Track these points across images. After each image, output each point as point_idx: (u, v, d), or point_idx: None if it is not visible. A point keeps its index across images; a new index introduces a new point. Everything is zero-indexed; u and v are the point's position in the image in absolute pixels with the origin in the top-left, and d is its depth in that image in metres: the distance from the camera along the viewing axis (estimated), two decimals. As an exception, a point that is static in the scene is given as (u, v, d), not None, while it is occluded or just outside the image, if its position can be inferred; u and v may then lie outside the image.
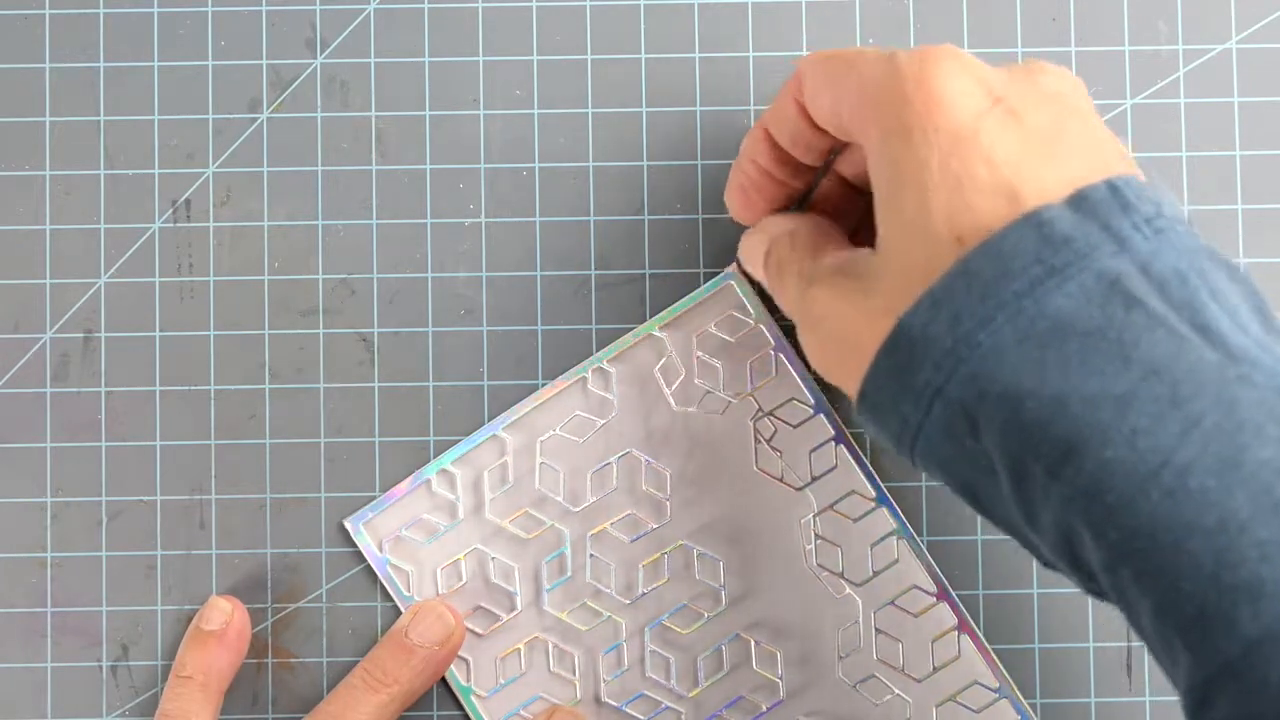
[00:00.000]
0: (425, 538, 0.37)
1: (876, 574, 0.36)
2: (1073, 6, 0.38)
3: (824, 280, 0.30)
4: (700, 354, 0.37)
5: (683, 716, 0.36)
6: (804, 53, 0.38)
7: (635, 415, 0.37)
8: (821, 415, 0.36)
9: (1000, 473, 0.26)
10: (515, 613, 0.36)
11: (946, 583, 0.36)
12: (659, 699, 0.36)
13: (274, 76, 0.37)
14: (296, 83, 0.37)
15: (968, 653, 0.36)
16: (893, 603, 0.36)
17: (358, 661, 0.36)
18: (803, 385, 0.36)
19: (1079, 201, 0.26)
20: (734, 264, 0.37)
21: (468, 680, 0.36)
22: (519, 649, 0.36)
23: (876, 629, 0.36)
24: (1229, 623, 0.22)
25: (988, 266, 0.25)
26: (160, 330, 0.37)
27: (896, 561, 0.36)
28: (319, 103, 0.37)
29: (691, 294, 0.37)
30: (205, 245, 0.37)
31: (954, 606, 0.36)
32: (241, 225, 0.37)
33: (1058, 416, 0.24)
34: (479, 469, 0.37)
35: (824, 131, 0.31)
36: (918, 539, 0.36)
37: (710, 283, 0.37)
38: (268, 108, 0.37)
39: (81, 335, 0.37)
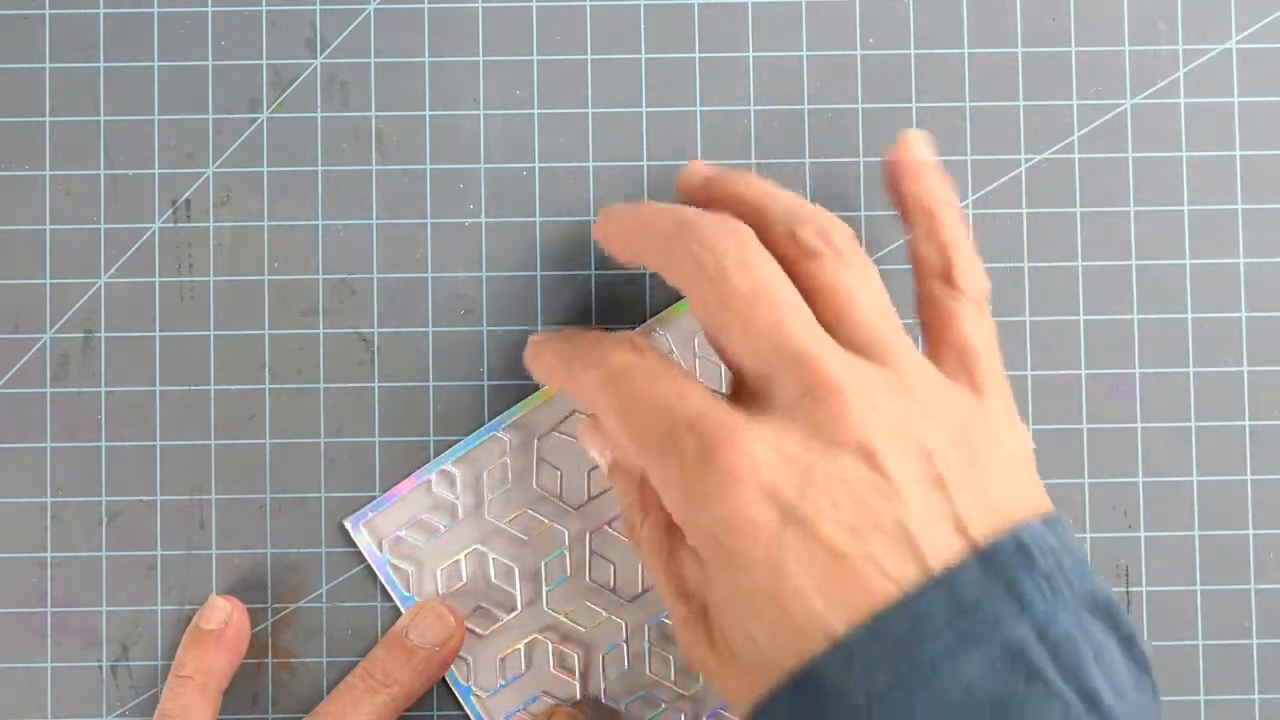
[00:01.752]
0: (425, 538, 0.37)
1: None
2: (1073, 6, 0.38)
3: (681, 621, 0.30)
4: (701, 353, 0.37)
5: (684, 716, 0.36)
6: (804, 53, 0.38)
7: None
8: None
9: None
10: (515, 613, 0.36)
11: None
12: (659, 698, 0.36)
13: (274, 76, 0.37)
14: (296, 83, 0.37)
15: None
16: None
17: (358, 662, 0.36)
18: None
19: (988, 558, 0.27)
20: None
21: (468, 680, 0.36)
22: (519, 649, 0.36)
23: None
24: None
25: (903, 625, 0.26)
26: (160, 330, 0.37)
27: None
28: (319, 103, 0.37)
29: None
30: (205, 245, 0.37)
31: None
32: (241, 225, 0.37)
33: None
34: (479, 469, 0.37)
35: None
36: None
37: None
38: (268, 108, 0.37)
39: (81, 335, 0.37)
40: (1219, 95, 0.38)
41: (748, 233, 0.30)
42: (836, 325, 0.30)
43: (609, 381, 0.30)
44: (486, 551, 0.36)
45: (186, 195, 0.37)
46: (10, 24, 0.37)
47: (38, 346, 0.37)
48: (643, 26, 0.38)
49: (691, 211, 0.31)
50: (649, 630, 0.36)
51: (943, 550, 0.27)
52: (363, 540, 0.37)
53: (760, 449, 0.28)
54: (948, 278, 0.31)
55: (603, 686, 0.36)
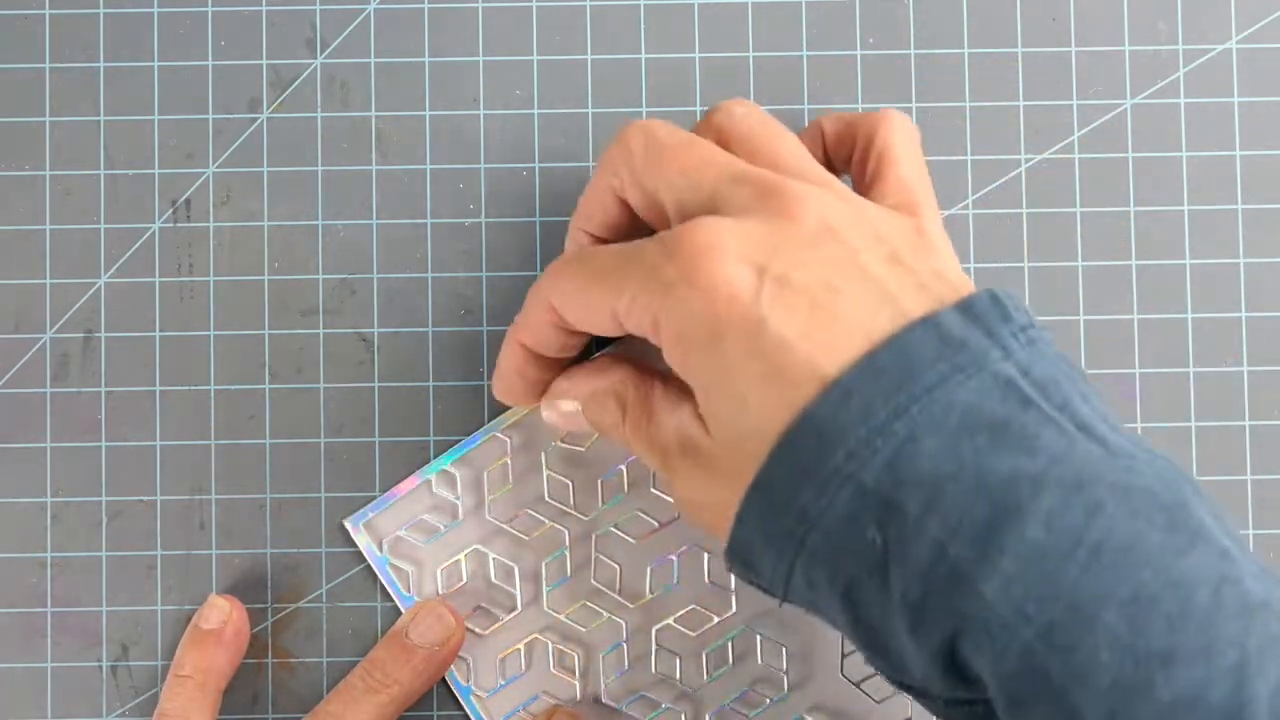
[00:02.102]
0: (425, 538, 0.37)
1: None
2: (1073, 6, 0.38)
3: (674, 462, 0.31)
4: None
5: (684, 716, 0.36)
6: (804, 53, 0.38)
7: (611, 463, 0.37)
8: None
9: (901, 565, 0.26)
10: (515, 613, 0.36)
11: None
12: (659, 699, 0.36)
13: (274, 76, 0.37)
14: (296, 83, 0.37)
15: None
16: None
17: (358, 661, 0.36)
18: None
19: (966, 308, 0.27)
20: None
21: (468, 680, 0.36)
22: (519, 649, 0.36)
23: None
24: (1146, 688, 0.24)
25: (895, 363, 0.27)
26: (160, 330, 0.37)
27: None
28: (319, 103, 0.37)
29: None
30: (205, 245, 0.37)
31: None
32: (241, 225, 0.37)
33: (979, 497, 0.26)
34: (479, 469, 0.37)
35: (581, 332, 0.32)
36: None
37: None
38: (268, 108, 0.37)
39: (81, 335, 0.37)
40: (1219, 95, 0.37)
41: (647, 123, 0.31)
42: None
43: (554, 271, 0.32)
44: (486, 551, 0.36)
45: (186, 195, 0.37)
46: (10, 24, 0.37)
47: (38, 346, 0.37)
48: (643, 26, 0.38)
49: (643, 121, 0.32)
50: (653, 632, 0.36)
51: (914, 304, 0.28)
52: (363, 540, 0.37)
53: (726, 227, 0.28)
54: (889, 124, 0.32)
55: (602, 687, 0.36)
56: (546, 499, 0.36)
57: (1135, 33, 0.38)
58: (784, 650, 0.36)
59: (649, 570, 0.36)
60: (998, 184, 0.37)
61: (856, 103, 0.37)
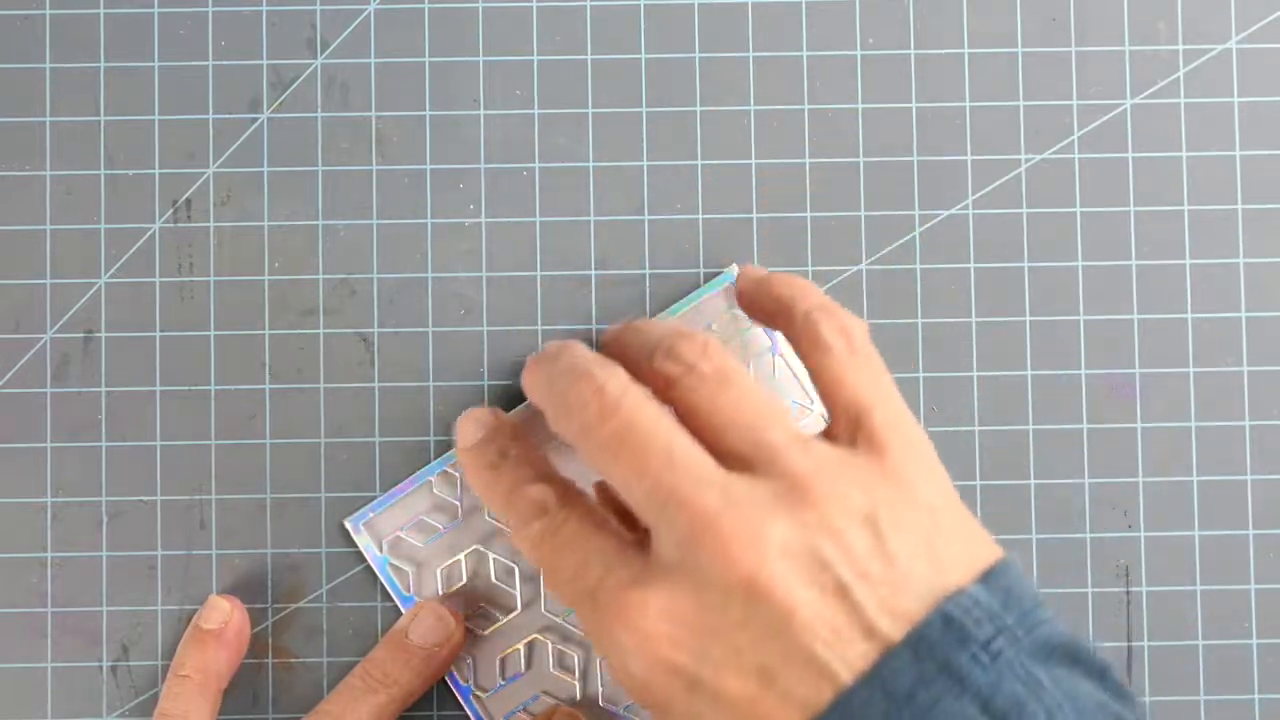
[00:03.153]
0: (425, 538, 0.37)
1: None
2: (1073, 6, 0.38)
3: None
4: None
5: None
6: (804, 53, 0.38)
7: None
8: (820, 415, 0.36)
9: None
10: (515, 613, 0.36)
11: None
12: None
13: (274, 76, 0.37)
14: (296, 83, 0.37)
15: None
16: None
17: (358, 662, 0.36)
18: (801, 386, 0.36)
19: (917, 643, 0.26)
20: (734, 264, 0.37)
21: (468, 680, 0.36)
22: (519, 649, 0.36)
23: None
24: None
25: None
26: (160, 330, 0.37)
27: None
28: (319, 103, 0.37)
29: (691, 294, 0.37)
30: (205, 245, 0.37)
31: None
32: (241, 225, 0.37)
33: None
34: None
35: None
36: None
37: (710, 283, 0.37)
38: (268, 108, 0.37)
39: (81, 335, 0.37)
40: (1219, 95, 0.37)
41: (606, 376, 0.29)
42: (714, 443, 0.29)
43: (524, 546, 0.31)
44: (486, 552, 0.36)
45: (186, 195, 0.37)
46: (10, 24, 0.37)
47: (38, 346, 0.37)
48: (643, 26, 0.38)
49: (566, 361, 0.31)
50: None
51: (856, 661, 0.26)
52: (363, 540, 0.37)
53: (651, 619, 0.27)
54: (814, 341, 0.31)
55: (600, 689, 0.36)
56: None
57: (1135, 33, 0.38)
58: None
59: None
60: (998, 184, 0.37)
61: (857, 103, 0.37)
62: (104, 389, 0.37)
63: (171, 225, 0.37)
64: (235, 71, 0.37)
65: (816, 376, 0.30)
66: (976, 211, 0.37)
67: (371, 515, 0.37)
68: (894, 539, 0.28)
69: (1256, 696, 0.37)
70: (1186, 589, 0.37)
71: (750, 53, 0.38)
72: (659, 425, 0.29)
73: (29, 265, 0.37)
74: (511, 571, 0.36)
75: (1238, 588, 0.37)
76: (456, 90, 0.38)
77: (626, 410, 0.29)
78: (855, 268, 0.37)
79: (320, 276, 0.37)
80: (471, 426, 0.33)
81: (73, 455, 0.37)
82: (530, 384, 0.32)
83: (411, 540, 0.37)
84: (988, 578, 0.27)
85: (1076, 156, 0.37)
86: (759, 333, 0.37)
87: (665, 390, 0.30)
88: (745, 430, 0.29)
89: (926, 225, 0.37)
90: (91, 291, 0.37)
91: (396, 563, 0.36)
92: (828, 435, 0.30)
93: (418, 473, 0.37)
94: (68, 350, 0.37)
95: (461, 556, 0.36)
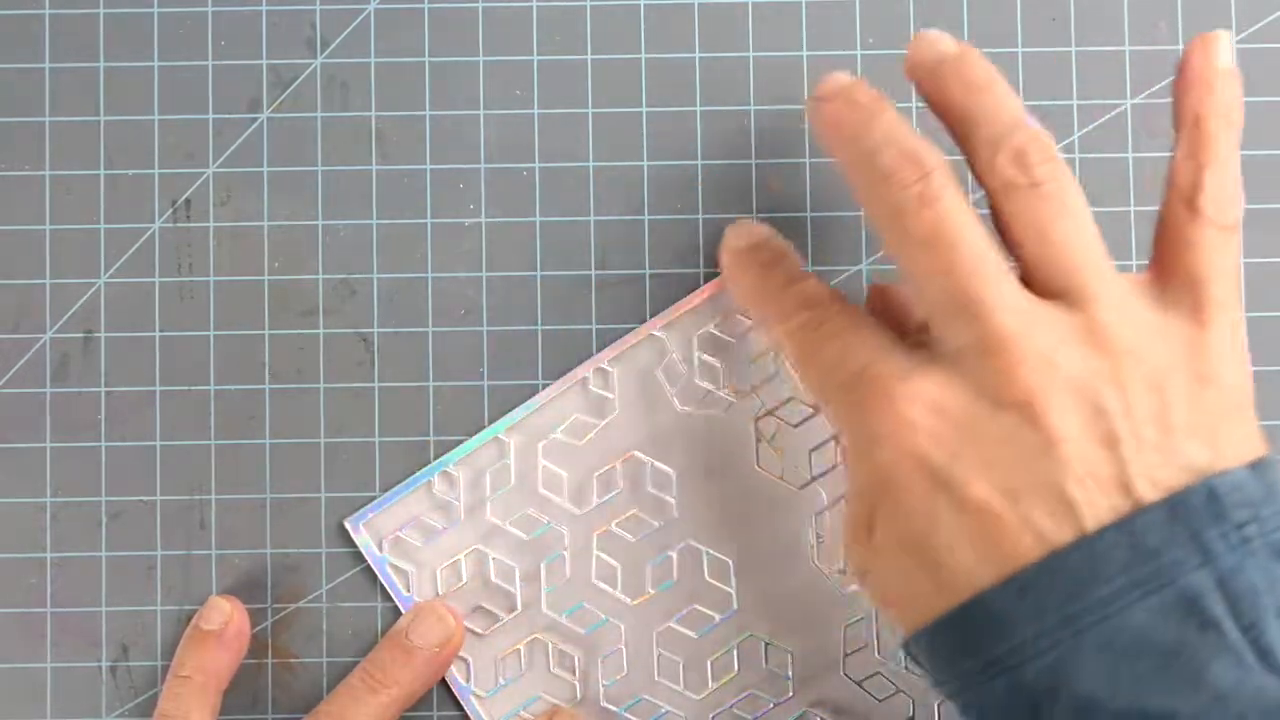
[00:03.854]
0: (425, 538, 0.37)
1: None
2: (1073, 6, 0.38)
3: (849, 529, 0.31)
4: (701, 354, 0.37)
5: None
6: (804, 53, 0.38)
7: (637, 416, 0.37)
8: (822, 414, 0.36)
9: None
10: (515, 613, 0.36)
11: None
12: (659, 703, 0.36)
13: (274, 76, 0.37)
14: (296, 83, 0.37)
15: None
16: None
17: (358, 662, 0.36)
18: (802, 385, 0.36)
19: (1176, 506, 0.26)
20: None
21: (467, 680, 0.36)
22: (519, 649, 0.36)
23: (880, 626, 0.36)
24: None
25: (1079, 567, 0.26)
26: (160, 330, 0.37)
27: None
28: (319, 103, 0.37)
29: (692, 294, 0.37)
30: (205, 245, 0.37)
31: None
32: (241, 225, 0.37)
33: None
34: (480, 470, 0.37)
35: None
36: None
37: (711, 283, 0.37)
38: (268, 108, 0.37)
39: (81, 335, 0.37)
40: (1219, 95, 0.37)
41: (936, 163, 0.29)
42: (1033, 266, 0.29)
43: (786, 338, 0.31)
44: (486, 551, 0.36)
45: (186, 195, 0.37)
46: (10, 24, 0.37)
47: (38, 346, 0.37)
48: (643, 26, 0.38)
49: (887, 127, 0.30)
50: (654, 635, 0.36)
51: (1103, 512, 0.27)
52: (362, 540, 0.37)
53: (916, 410, 0.28)
54: (1191, 201, 0.30)
55: (601, 689, 0.36)
56: (540, 490, 0.36)
57: (1135, 33, 0.38)
58: (789, 653, 0.36)
59: (648, 568, 0.36)
60: (998, 184, 0.37)
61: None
62: (104, 389, 0.37)
63: (171, 225, 0.37)
64: (235, 71, 0.37)
65: (1170, 226, 0.30)
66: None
67: (371, 515, 0.37)
68: (1178, 411, 0.28)
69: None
70: None
71: (750, 53, 0.38)
72: (976, 229, 0.29)
73: (29, 265, 0.37)
74: (511, 572, 0.36)
75: (1238, 588, 0.37)
76: (456, 90, 0.38)
77: (948, 204, 0.29)
78: (855, 268, 0.37)
79: (320, 276, 0.37)
80: (742, 232, 0.34)
81: (72, 455, 0.37)
82: (831, 128, 0.31)
83: (411, 540, 0.37)
84: (1256, 467, 0.28)
85: (1076, 156, 0.37)
86: (761, 330, 0.37)
87: (997, 190, 0.29)
88: (1070, 268, 0.29)
89: (926, 225, 0.37)
90: (91, 291, 0.37)
91: (396, 563, 0.36)
92: (1154, 280, 0.30)
93: (418, 473, 0.37)
94: (68, 350, 0.37)
95: (461, 556, 0.36)
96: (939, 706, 0.36)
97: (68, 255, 0.37)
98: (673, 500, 0.36)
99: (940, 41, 0.31)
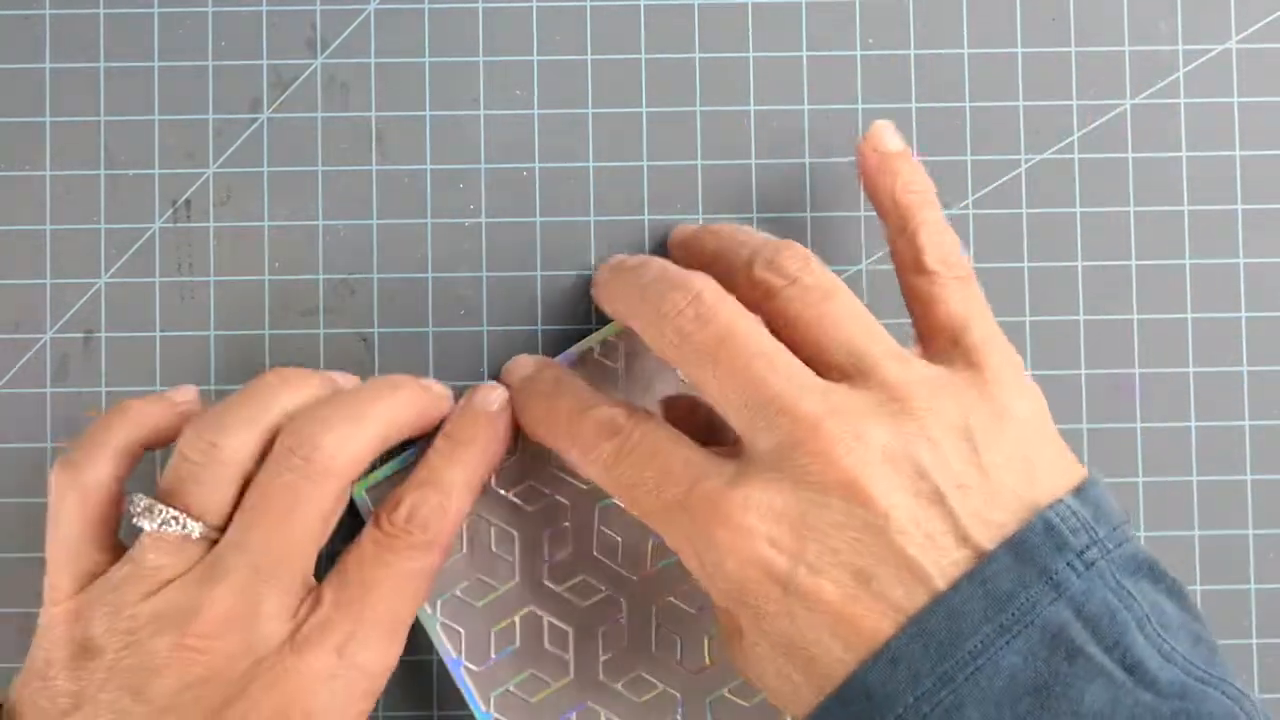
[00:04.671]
0: None
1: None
2: (1073, 6, 0.38)
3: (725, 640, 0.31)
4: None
5: (679, 699, 0.36)
6: (804, 53, 0.38)
7: (643, 388, 0.37)
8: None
9: None
10: (513, 582, 0.36)
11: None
12: (655, 681, 0.36)
13: (274, 76, 0.37)
14: (296, 83, 0.37)
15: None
16: None
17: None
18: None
19: (1017, 546, 0.27)
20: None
21: (459, 653, 0.36)
22: (514, 621, 0.36)
23: None
24: None
25: (942, 626, 0.27)
26: (160, 330, 0.37)
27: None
28: (319, 103, 0.37)
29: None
30: (205, 245, 0.37)
31: None
32: (241, 225, 0.37)
33: None
34: None
35: None
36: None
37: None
38: (268, 108, 0.37)
39: (81, 335, 0.37)
40: (1219, 95, 0.38)
41: (702, 284, 0.30)
42: (814, 355, 0.30)
43: (603, 471, 0.31)
44: (489, 519, 0.36)
45: (186, 195, 0.37)
46: (10, 24, 0.37)
47: (38, 346, 0.37)
48: (643, 26, 0.38)
49: (655, 270, 0.31)
50: (654, 610, 0.36)
51: (949, 567, 0.27)
52: (367, 508, 0.36)
53: (751, 517, 0.28)
54: (918, 266, 0.31)
55: (600, 664, 0.36)
56: (545, 461, 0.36)
57: (1135, 33, 0.38)
58: None
59: (650, 544, 0.36)
60: (998, 184, 0.37)
61: (857, 103, 0.37)
62: (104, 389, 0.37)
63: (171, 225, 0.37)
64: (235, 71, 0.37)
65: (912, 296, 0.31)
66: (976, 211, 0.37)
67: (380, 482, 0.36)
68: (988, 452, 0.28)
69: (1257, 696, 0.37)
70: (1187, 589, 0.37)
71: (750, 53, 0.38)
72: (758, 332, 0.30)
73: (29, 265, 0.37)
74: (511, 540, 0.36)
75: (1238, 587, 0.37)
76: (456, 90, 0.38)
77: (725, 316, 0.30)
78: (855, 267, 0.37)
79: (320, 276, 0.37)
80: (521, 366, 0.34)
81: (73, 455, 0.37)
82: (611, 294, 0.32)
83: None
84: (1080, 491, 0.28)
85: (1076, 156, 0.37)
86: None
87: (763, 300, 0.30)
88: (847, 343, 0.29)
89: (926, 225, 0.37)
90: (91, 291, 0.37)
91: None
92: (924, 353, 0.31)
93: (422, 443, 0.36)
94: (68, 350, 0.37)
95: (462, 525, 0.36)
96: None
97: (68, 255, 0.37)
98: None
99: (685, 229, 0.35)
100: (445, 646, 0.36)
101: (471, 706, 0.36)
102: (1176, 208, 0.37)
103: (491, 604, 0.36)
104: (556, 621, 0.36)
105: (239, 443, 0.32)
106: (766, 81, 0.37)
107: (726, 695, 0.36)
